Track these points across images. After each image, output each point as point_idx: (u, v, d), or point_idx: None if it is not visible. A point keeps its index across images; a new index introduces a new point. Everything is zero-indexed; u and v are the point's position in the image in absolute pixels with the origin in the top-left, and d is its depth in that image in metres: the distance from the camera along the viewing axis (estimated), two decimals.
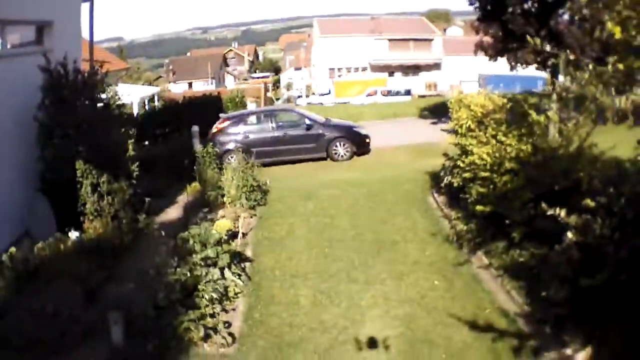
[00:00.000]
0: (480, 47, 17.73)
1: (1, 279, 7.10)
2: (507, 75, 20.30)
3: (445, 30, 71.15)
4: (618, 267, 5.46)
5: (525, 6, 15.65)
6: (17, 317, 6.38)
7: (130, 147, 9.95)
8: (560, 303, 6.00)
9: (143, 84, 37.82)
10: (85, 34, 13.30)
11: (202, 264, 7.32)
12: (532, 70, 17.68)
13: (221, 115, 17.35)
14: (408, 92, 45.13)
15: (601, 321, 5.64)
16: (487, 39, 17.45)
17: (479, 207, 8.32)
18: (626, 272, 5.41)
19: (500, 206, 7.89)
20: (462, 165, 8.77)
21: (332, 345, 6.40)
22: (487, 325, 6.46)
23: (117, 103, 10.15)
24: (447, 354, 6.06)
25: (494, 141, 8.22)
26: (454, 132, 9.09)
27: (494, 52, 17.44)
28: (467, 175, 8.60)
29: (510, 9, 15.70)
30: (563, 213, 6.05)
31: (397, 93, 44.37)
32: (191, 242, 7.70)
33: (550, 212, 5.94)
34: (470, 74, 48.66)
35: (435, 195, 11.22)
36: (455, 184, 9.24)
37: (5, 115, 9.06)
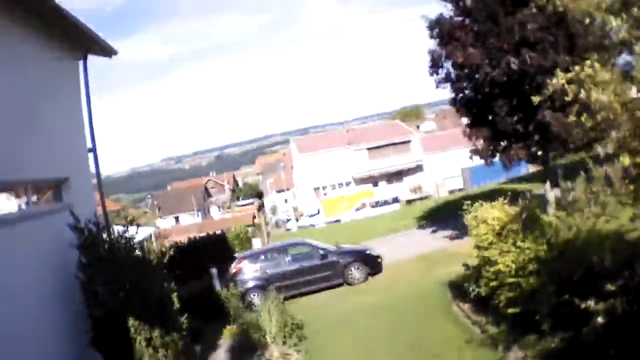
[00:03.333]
0: (475, 152, 18.38)
1: None
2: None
3: (418, 127, 74.28)
4: None
5: (511, 105, 16.42)
6: None
7: (176, 299, 10.46)
8: None
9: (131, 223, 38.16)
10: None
11: None
12: None
13: (237, 255, 18.30)
14: (396, 200, 46.24)
15: None
16: (481, 143, 18.12)
17: (510, 310, 9.00)
18: None
19: (529, 304, 8.54)
20: (486, 275, 9.52)
21: None
22: None
23: (153, 258, 10.67)
24: None
25: (513, 248, 9.03)
26: (477, 247, 9.89)
27: (488, 155, 18.11)
28: (494, 283, 9.34)
29: (497, 110, 16.58)
30: (593, 303, 6.82)
31: (385, 203, 45.28)
32: None
33: (583, 306, 6.72)
34: (452, 168, 50.38)
35: (460, 304, 11.85)
36: (483, 293, 9.93)
37: (47, 276, 9.34)
